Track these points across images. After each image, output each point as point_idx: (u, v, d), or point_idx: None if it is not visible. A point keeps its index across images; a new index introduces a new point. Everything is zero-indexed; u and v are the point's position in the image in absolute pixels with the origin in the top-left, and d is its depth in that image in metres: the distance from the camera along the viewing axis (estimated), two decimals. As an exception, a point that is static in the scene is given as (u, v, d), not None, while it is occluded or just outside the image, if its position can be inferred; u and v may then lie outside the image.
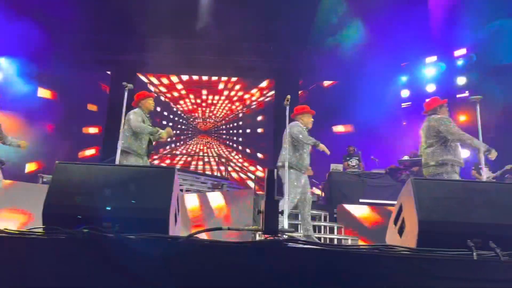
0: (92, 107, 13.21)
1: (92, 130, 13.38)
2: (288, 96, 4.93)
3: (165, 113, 13.83)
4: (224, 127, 14.03)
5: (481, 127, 5.04)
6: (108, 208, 2.27)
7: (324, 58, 11.91)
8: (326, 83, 13.79)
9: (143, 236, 2.17)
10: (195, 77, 14.11)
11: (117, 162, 4.84)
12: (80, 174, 2.37)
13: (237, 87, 14.19)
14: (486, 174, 7.72)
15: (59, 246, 2.19)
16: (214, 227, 2.30)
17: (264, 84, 14.23)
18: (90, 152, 13.05)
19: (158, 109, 13.64)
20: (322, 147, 5.24)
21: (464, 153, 10.24)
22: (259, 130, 13.98)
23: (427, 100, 5.50)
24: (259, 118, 14.05)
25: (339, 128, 13.42)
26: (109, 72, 13.46)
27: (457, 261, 2.06)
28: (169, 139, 13.67)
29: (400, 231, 2.56)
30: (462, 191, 2.37)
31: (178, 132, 13.80)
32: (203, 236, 2.29)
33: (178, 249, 2.11)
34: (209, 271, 2.10)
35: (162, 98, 13.84)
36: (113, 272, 2.12)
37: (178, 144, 13.85)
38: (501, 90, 9.65)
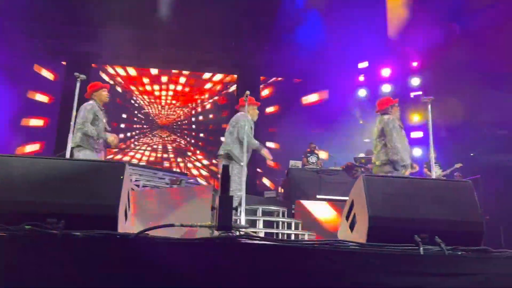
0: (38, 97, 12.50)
1: (37, 122, 12.58)
2: (247, 92, 4.91)
3: (122, 105, 13.45)
4: (184, 122, 13.83)
5: (433, 126, 5.27)
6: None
7: (284, 55, 11.98)
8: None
9: (90, 233, 2.09)
10: (154, 70, 13.80)
11: (68, 155, 4.65)
12: (23, 168, 2.24)
13: (198, 82, 14.02)
14: (437, 172, 8.05)
15: (-1, 244, 2.06)
16: (166, 224, 2.25)
17: (225, 79, 14.15)
18: (33, 147, 12.28)
19: (120, 103, 13.27)
20: (264, 152, 5.23)
21: (416, 152, 10.71)
22: (221, 126, 13.90)
23: (379, 99, 5.68)
24: (221, 113, 13.96)
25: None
26: (64, 63, 12.91)
27: (405, 255, 2.12)
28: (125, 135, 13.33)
29: (352, 226, 2.61)
30: (411, 188, 2.44)
31: (135, 126, 13.46)
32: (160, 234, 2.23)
33: (127, 247, 2.04)
34: (160, 269, 2.05)
35: (119, 90, 13.44)
36: (58, 272, 2.02)
37: (135, 138, 13.51)
38: (453, 91, 10.10)
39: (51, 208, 2.17)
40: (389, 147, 5.11)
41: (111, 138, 5.30)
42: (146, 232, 2.13)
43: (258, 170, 12.63)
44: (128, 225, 2.54)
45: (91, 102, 5.18)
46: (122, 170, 2.31)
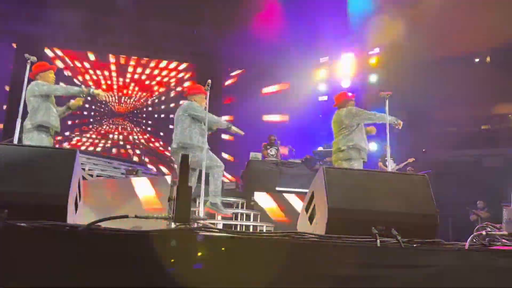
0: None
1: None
2: (209, 81, 4.78)
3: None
4: (141, 110, 13.45)
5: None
6: None
7: (245, 47, 11.91)
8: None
9: (36, 223, 1.95)
10: (110, 56, 13.27)
11: (15, 141, 4.37)
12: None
13: (157, 69, 13.64)
14: (391, 165, 8.30)
15: None
16: (119, 215, 2.14)
17: (185, 68, 13.87)
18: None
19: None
20: (235, 128, 5.10)
21: (372, 146, 11.00)
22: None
23: (336, 95, 5.73)
24: (180, 102, 13.67)
25: (272, 117, 13.64)
26: (14, 45, 12.19)
27: (362, 247, 2.14)
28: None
29: (311, 218, 2.61)
30: (369, 181, 2.47)
31: (86, 113, 12.93)
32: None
33: (77, 238, 1.93)
34: (113, 262, 1.95)
35: (68, 74, 12.81)
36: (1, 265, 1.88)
37: (89, 126, 12.99)
38: (409, 88, 10.45)
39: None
40: (353, 135, 5.18)
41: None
42: (98, 224, 2.02)
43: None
44: (79, 216, 2.41)
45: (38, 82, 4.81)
46: (73, 158, 2.18)
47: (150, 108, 13.47)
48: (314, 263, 2.06)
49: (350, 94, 5.65)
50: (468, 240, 2.22)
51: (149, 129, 13.48)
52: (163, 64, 13.64)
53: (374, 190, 2.42)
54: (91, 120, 12.99)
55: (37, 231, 1.95)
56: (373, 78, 12.27)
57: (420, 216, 2.40)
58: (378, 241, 2.17)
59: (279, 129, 11.45)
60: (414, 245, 2.20)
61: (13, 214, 1.99)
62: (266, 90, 13.46)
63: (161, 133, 13.50)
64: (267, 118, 13.48)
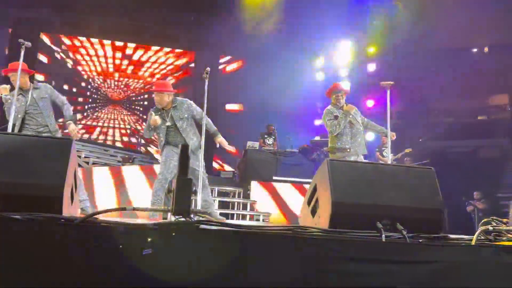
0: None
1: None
2: (208, 69, 4.68)
3: (73, 79, 12.71)
4: (138, 98, 13.31)
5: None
6: None
7: (243, 35, 11.76)
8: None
9: (31, 216, 1.88)
10: (107, 42, 13.08)
11: (9, 129, 4.27)
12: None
13: (155, 56, 13.47)
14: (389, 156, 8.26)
15: None
16: (117, 207, 2.07)
17: (184, 55, 13.70)
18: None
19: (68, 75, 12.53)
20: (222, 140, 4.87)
21: (369, 136, 10.97)
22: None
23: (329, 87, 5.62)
24: (177, 90, 13.53)
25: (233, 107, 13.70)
26: (9, 30, 11.97)
27: (367, 242, 2.08)
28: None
29: (313, 212, 2.55)
30: (374, 174, 2.40)
31: (85, 100, 12.79)
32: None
33: (73, 232, 1.86)
34: (110, 256, 1.88)
35: (70, 65, 12.65)
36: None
37: (86, 113, 12.85)
38: (406, 79, 10.40)
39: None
40: (333, 135, 5.18)
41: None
42: (95, 216, 1.95)
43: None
44: (75, 207, 2.33)
45: None
46: (68, 147, 2.10)
47: (146, 96, 13.33)
48: (317, 258, 2.01)
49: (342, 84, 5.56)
50: (475, 235, 2.17)
51: (144, 116, 13.36)
52: (161, 50, 13.45)
53: (379, 183, 2.35)
54: (88, 106, 12.85)
55: (30, 223, 1.88)
56: (371, 67, 12.20)
57: (426, 211, 2.34)
58: (383, 236, 2.11)
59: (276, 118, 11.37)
60: (420, 240, 2.14)
61: (7, 206, 1.91)
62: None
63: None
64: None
